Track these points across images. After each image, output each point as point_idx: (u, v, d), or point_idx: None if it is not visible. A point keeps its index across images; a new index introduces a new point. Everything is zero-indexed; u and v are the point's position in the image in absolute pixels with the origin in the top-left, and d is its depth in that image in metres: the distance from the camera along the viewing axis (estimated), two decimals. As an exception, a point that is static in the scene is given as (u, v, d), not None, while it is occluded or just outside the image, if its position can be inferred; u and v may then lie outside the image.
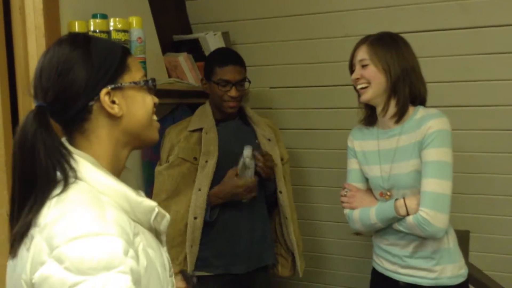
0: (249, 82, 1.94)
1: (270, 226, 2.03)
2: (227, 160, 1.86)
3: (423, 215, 1.42)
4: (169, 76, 2.20)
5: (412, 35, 1.65)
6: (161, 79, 2.02)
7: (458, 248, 1.59)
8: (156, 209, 0.91)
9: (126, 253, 0.77)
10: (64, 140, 0.90)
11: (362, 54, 1.54)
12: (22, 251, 0.81)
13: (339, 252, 2.48)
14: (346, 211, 1.64)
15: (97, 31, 1.63)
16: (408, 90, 1.52)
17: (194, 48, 2.30)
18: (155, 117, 0.97)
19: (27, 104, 1.53)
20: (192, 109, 2.24)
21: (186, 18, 2.52)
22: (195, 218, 1.81)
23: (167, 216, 0.95)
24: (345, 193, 1.66)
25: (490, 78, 2.05)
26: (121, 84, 0.90)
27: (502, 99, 2.05)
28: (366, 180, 1.66)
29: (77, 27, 1.63)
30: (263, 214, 1.99)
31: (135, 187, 0.97)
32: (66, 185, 0.82)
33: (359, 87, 1.56)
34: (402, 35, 1.60)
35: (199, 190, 1.82)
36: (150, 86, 0.96)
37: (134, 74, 0.93)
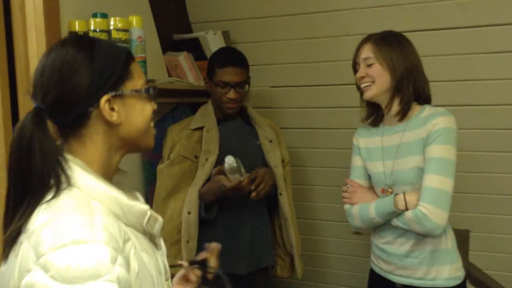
0: (249, 84, 1.93)
1: (270, 227, 2.03)
2: None
3: (422, 210, 1.42)
4: (169, 75, 2.20)
5: (412, 34, 1.65)
6: (161, 79, 2.03)
7: (456, 249, 1.59)
8: (149, 213, 0.90)
9: (113, 261, 0.76)
10: (59, 144, 0.89)
11: (367, 52, 1.54)
12: (11, 257, 0.80)
13: (339, 252, 2.48)
14: (346, 206, 1.65)
15: (98, 30, 1.63)
16: (412, 88, 1.53)
17: (194, 47, 2.30)
18: (152, 124, 0.96)
19: (27, 104, 1.53)
20: (192, 108, 2.25)
21: (186, 17, 2.52)
22: (189, 213, 1.80)
23: (160, 219, 0.94)
24: (346, 189, 1.66)
25: (489, 77, 2.05)
26: (123, 91, 0.89)
27: (501, 98, 2.05)
28: (369, 178, 1.66)
29: (77, 27, 1.63)
30: (263, 215, 1.99)
31: (130, 190, 0.96)
32: (57, 191, 0.81)
33: (363, 85, 1.57)
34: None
35: (194, 185, 1.82)
36: (151, 94, 0.94)
37: (136, 81, 0.92)
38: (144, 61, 1.77)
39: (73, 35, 0.95)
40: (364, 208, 1.58)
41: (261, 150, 1.95)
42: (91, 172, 0.86)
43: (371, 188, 1.66)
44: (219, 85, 1.86)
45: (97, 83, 0.86)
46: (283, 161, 2.00)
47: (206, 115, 1.93)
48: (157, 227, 0.93)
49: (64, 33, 1.62)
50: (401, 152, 1.55)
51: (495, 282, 2.14)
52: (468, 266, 2.13)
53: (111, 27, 1.66)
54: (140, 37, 1.74)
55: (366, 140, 1.67)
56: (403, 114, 1.55)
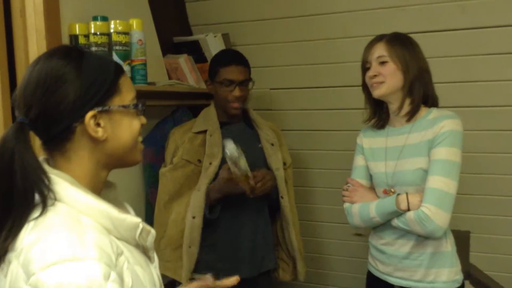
0: (253, 82, 1.94)
1: (272, 230, 2.02)
2: None
3: (425, 211, 1.41)
4: (170, 78, 2.20)
5: (411, 36, 1.65)
6: (161, 81, 2.03)
7: (456, 252, 1.58)
8: (141, 225, 0.88)
9: (106, 277, 0.74)
10: (42, 159, 0.87)
11: (380, 51, 1.53)
12: (0, 276, 0.78)
13: (341, 253, 2.47)
14: (346, 205, 1.64)
15: (98, 33, 1.63)
16: (422, 90, 1.53)
17: (194, 50, 2.30)
18: (140, 138, 0.94)
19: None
20: (192, 110, 2.25)
21: (186, 20, 2.53)
22: (194, 217, 1.80)
23: (152, 231, 0.92)
24: (347, 188, 1.66)
25: (490, 79, 2.06)
26: (109, 107, 0.86)
27: (501, 99, 2.05)
28: (370, 178, 1.66)
29: (77, 29, 1.63)
30: (265, 218, 1.98)
31: (119, 202, 0.95)
32: (44, 207, 0.79)
33: (374, 83, 1.55)
34: (402, 36, 1.60)
35: (198, 190, 1.82)
36: (139, 110, 0.92)
37: (124, 96, 0.89)
38: (145, 64, 1.77)
39: (63, 46, 0.90)
40: (364, 207, 1.57)
41: (263, 153, 1.95)
42: (79, 186, 0.84)
43: (372, 188, 1.66)
44: (224, 84, 1.86)
45: (83, 98, 0.83)
46: (284, 163, 1.99)
47: (208, 118, 1.93)
48: (150, 240, 0.91)
49: (65, 36, 1.63)
50: (405, 153, 1.54)
51: (496, 283, 2.14)
52: (469, 267, 2.13)
53: (112, 30, 1.66)
54: (140, 40, 1.75)
55: (371, 140, 1.67)
56: (412, 115, 1.55)
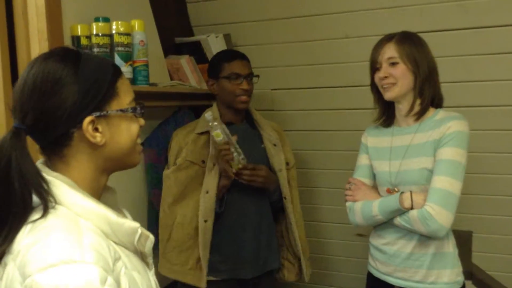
0: (258, 76, 1.95)
1: (276, 231, 2.02)
2: None
3: (428, 210, 1.41)
4: (171, 79, 2.21)
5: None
6: (163, 82, 2.03)
7: (457, 254, 1.58)
8: (139, 230, 0.87)
9: (103, 282, 0.73)
10: (40, 163, 0.87)
11: (391, 52, 1.52)
12: None
13: (343, 254, 2.48)
14: (348, 203, 1.63)
15: (100, 34, 1.63)
16: (432, 90, 1.53)
17: (196, 51, 2.31)
18: (139, 140, 0.92)
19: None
20: (194, 111, 2.25)
21: (188, 20, 2.53)
22: (206, 221, 1.80)
23: (151, 236, 0.91)
24: (349, 187, 1.65)
25: (491, 79, 2.06)
26: (107, 112, 0.85)
27: (503, 99, 2.05)
28: (373, 177, 1.65)
29: (79, 31, 1.63)
30: (269, 219, 1.97)
31: (118, 209, 0.95)
32: (45, 210, 0.78)
33: (385, 85, 1.54)
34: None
35: (207, 192, 1.81)
36: (137, 113, 0.90)
37: (122, 99, 0.88)
38: (146, 65, 1.77)
39: (59, 48, 0.89)
40: (367, 205, 1.56)
41: (266, 154, 1.94)
42: (79, 189, 0.83)
43: (375, 187, 1.65)
44: (231, 78, 1.87)
45: (80, 103, 0.81)
46: (287, 164, 1.98)
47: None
48: (148, 245, 0.91)
49: (67, 37, 1.63)
50: (410, 152, 1.54)
51: (498, 283, 2.14)
52: (471, 267, 2.13)
53: (113, 31, 1.67)
54: (142, 40, 1.75)
55: (375, 140, 1.66)
56: (420, 115, 1.55)
